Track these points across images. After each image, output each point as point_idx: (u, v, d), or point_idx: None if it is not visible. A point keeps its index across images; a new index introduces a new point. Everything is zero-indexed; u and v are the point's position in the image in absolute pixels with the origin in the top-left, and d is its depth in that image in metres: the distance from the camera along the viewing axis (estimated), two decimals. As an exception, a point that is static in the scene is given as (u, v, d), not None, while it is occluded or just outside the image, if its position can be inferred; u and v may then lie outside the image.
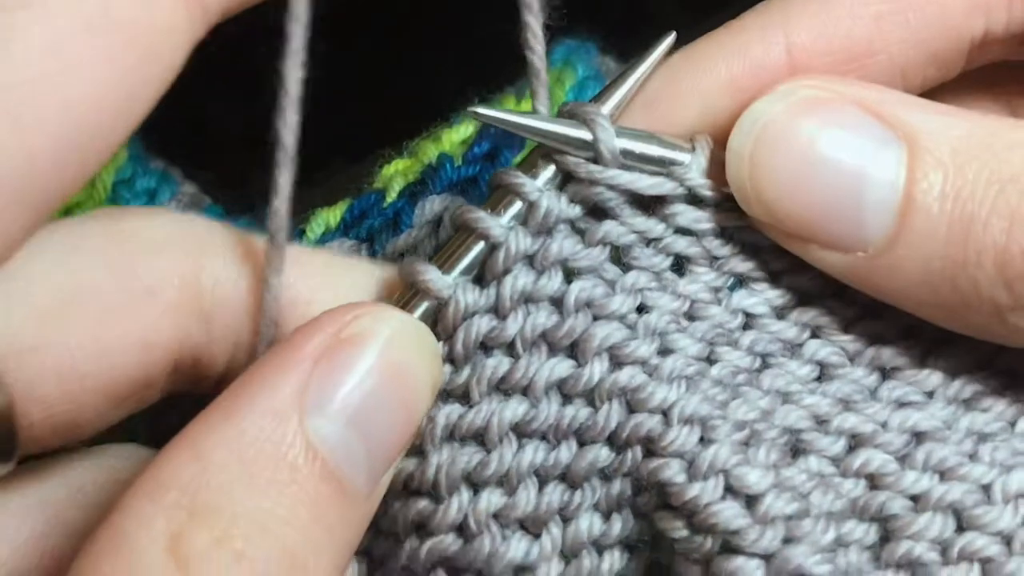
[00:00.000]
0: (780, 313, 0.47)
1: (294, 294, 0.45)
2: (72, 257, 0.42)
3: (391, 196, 0.57)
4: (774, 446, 0.44)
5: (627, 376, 0.44)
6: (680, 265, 0.47)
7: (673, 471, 0.43)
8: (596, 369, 0.44)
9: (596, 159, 0.46)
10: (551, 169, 0.46)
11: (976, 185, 0.41)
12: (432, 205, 0.54)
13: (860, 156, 0.43)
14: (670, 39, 0.49)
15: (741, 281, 0.47)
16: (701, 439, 0.43)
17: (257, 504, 0.37)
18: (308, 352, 0.40)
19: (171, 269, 0.43)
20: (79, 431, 0.44)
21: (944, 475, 0.43)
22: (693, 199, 0.47)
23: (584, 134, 0.46)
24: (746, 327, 0.47)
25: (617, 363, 0.45)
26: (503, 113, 0.46)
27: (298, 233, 0.57)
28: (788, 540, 0.41)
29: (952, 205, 0.42)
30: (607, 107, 0.47)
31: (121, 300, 0.42)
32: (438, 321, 0.46)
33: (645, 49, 0.49)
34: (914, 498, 0.43)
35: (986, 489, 0.43)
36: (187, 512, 0.36)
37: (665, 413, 0.43)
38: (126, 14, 0.37)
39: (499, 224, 0.46)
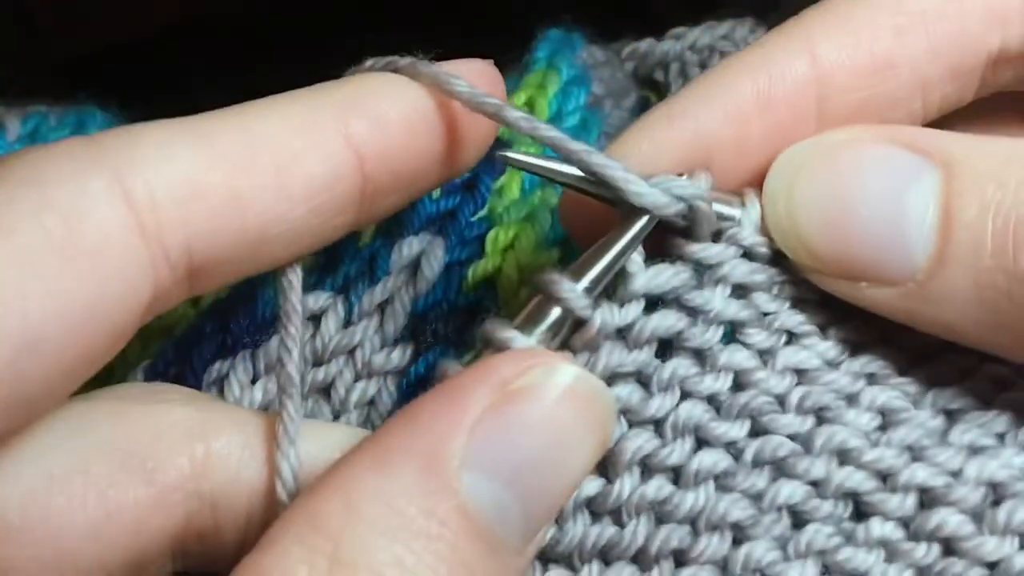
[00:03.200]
0: (832, 365, 0.45)
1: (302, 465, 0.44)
2: (71, 440, 0.43)
3: (366, 236, 0.53)
4: (827, 521, 0.42)
5: (654, 489, 0.43)
6: (731, 332, 0.45)
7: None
8: (627, 485, 0.43)
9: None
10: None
11: (1019, 193, 0.41)
12: (409, 248, 0.53)
13: (896, 183, 0.43)
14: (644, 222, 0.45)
15: (733, 332, 0.45)
16: (735, 540, 0.42)
17: (400, 560, 0.36)
18: (474, 402, 0.38)
19: (174, 452, 0.42)
20: None
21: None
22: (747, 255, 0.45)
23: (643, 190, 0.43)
24: (798, 384, 0.44)
25: (647, 472, 0.43)
26: (537, 159, 0.45)
27: (271, 280, 0.51)
28: None
29: (994, 216, 0.41)
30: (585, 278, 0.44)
31: (113, 483, 0.42)
32: None
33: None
34: (991, 565, 0.41)
35: None
36: (329, 562, 0.36)
37: (693, 522, 0.43)
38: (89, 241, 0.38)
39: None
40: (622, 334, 0.44)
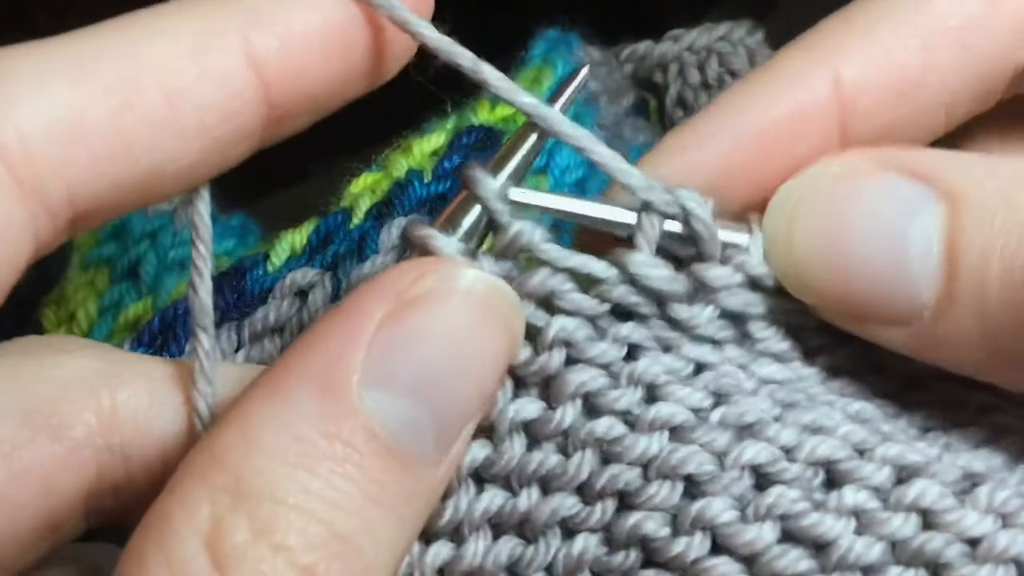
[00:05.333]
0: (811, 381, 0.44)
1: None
2: None
3: (357, 217, 0.53)
4: (794, 485, 0.40)
5: (604, 427, 0.41)
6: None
7: (656, 525, 0.40)
8: (568, 414, 0.41)
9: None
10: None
11: None
12: (399, 229, 0.53)
13: (898, 217, 0.41)
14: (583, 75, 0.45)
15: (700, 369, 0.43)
16: (690, 494, 0.40)
17: (304, 486, 0.35)
18: (368, 315, 0.37)
19: (78, 406, 0.41)
20: None
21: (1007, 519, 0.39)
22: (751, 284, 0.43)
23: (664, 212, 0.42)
24: (768, 385, 0.43)
25: (595, 411, 0.41)
26: (545, 199, 0.42)
27: (261, 258, 0.53)
28: None
29: (1002, 249, 0.40)
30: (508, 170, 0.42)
31: (16, 444, 0.40)
32: None
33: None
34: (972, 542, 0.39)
35: None
36: (231, 497, 0.35)
37: (644, 468, 0.41)
38: None
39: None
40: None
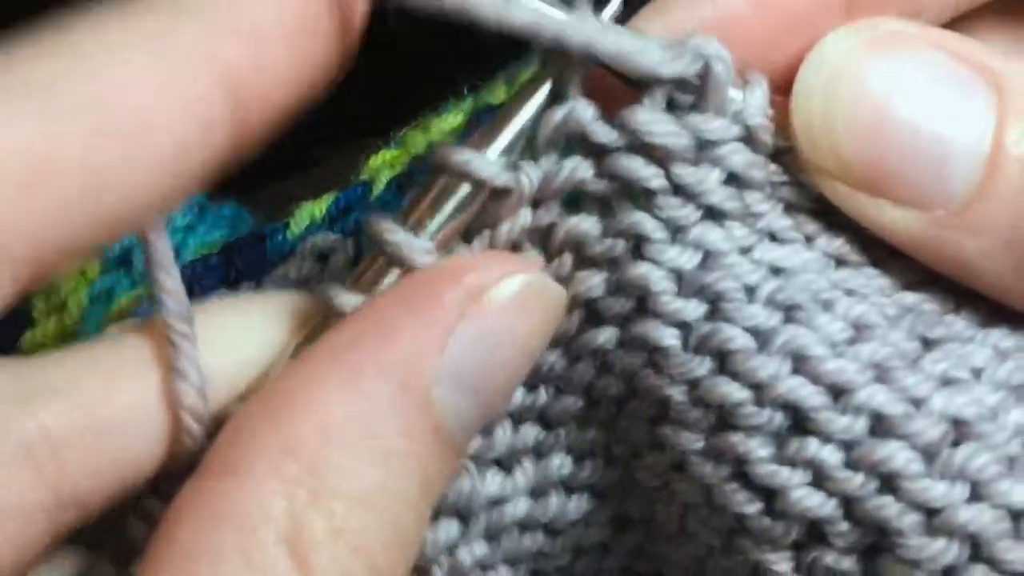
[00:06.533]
0: (813, 271, 0.42)
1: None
2: None
3: (378, 189, 0.55)
4: (754, 433, 0.40)
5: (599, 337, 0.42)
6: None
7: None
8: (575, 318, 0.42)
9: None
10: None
11: None
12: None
13: (944, 105, 0.39)
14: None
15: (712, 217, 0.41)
16: (654, 421, 0.42)
17: (380, 484, 0.35)
18: (448, 313, 0.37)
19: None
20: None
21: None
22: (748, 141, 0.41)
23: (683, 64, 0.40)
24: (771, 278, 0.41)
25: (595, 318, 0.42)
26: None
27: (282, 227, 0.54)
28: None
29: None
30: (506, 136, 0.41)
31: None
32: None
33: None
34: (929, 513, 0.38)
35: None
36: (308, 492, 0.35)
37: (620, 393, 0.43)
38: None
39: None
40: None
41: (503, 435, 0.43)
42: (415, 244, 0.39)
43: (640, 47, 0.39)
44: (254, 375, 0.40)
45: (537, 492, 0.45)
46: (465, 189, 0.40)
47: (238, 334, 0.41)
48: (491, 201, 0.40)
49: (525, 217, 0.41)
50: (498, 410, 0.41)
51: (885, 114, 0.39)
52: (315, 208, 0.53)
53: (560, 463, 0.45)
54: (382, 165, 0.54)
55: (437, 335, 0.36)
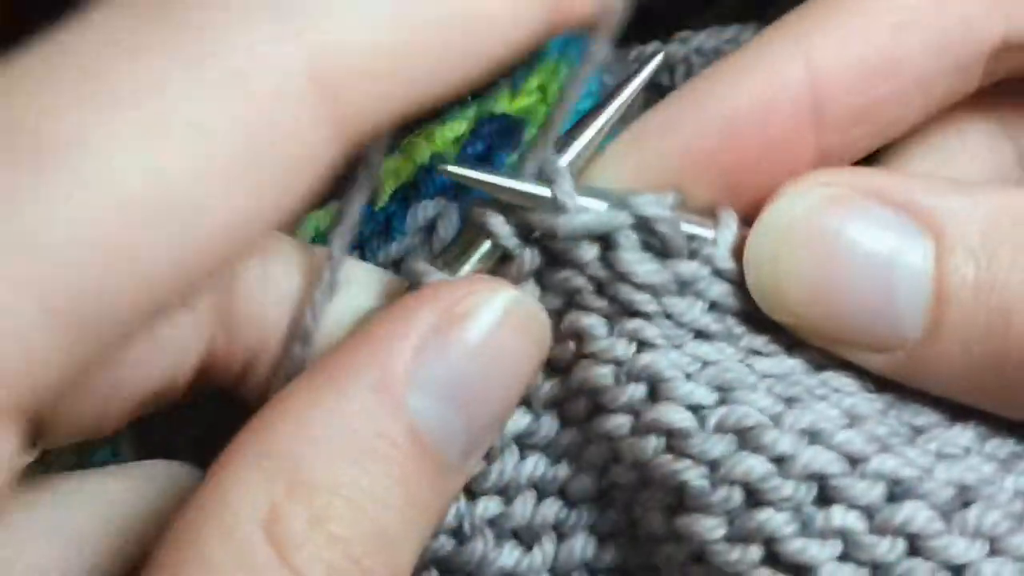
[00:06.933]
0: (798, 371, 0.44)
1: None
2: None
3: (382, 200, 0.55)
4: (783, 506, 0.41)
5: (611, 424, 0.44)
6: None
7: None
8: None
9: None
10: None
11: (1012, 271, 0.40)
12: (425, 212, 0.55)
13: (887, 252, 0.42)
14: (656, 61, 0.49)
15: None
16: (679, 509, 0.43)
17: (355, 481, 0.37)
18: (418, 323, 0.39)
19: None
20: (100, 430, 0.43)
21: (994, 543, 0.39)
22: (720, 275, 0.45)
23: (653, 210, 0.44)
24: (765, 378, 0.43)
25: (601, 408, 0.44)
26: (475, 173, 0.45)
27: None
28: None
29: (988, 295, 0.40)
30: (571, 153, 0.46)
31: None
32: None
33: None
34: (956, 570, 0.39)
35: None
36: (287, 484, 0.36)
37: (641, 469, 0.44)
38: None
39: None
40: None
41: (522, 508, 0.45)
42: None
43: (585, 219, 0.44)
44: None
45: (558, 572, 0.46)
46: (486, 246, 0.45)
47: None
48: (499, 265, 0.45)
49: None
50: (486, 426, 0.41)
51: (831, 273, 0.42)
52: (320, 218, 0.54)
53: (583, 544, 0.46)
54: (386, 174, 0.54)
55: (409, 341, 0.39)
